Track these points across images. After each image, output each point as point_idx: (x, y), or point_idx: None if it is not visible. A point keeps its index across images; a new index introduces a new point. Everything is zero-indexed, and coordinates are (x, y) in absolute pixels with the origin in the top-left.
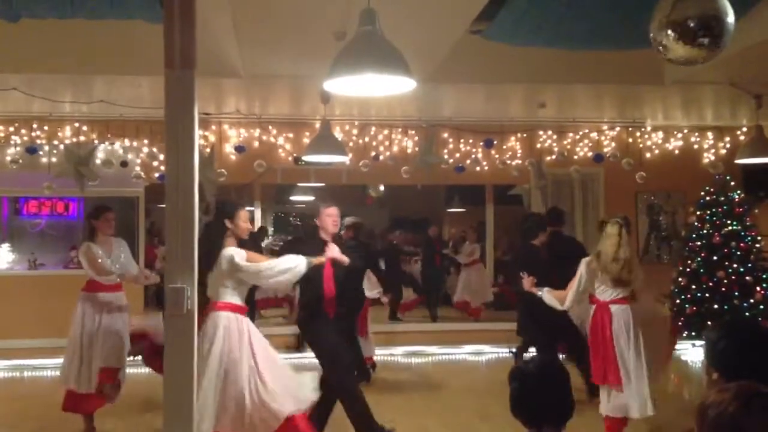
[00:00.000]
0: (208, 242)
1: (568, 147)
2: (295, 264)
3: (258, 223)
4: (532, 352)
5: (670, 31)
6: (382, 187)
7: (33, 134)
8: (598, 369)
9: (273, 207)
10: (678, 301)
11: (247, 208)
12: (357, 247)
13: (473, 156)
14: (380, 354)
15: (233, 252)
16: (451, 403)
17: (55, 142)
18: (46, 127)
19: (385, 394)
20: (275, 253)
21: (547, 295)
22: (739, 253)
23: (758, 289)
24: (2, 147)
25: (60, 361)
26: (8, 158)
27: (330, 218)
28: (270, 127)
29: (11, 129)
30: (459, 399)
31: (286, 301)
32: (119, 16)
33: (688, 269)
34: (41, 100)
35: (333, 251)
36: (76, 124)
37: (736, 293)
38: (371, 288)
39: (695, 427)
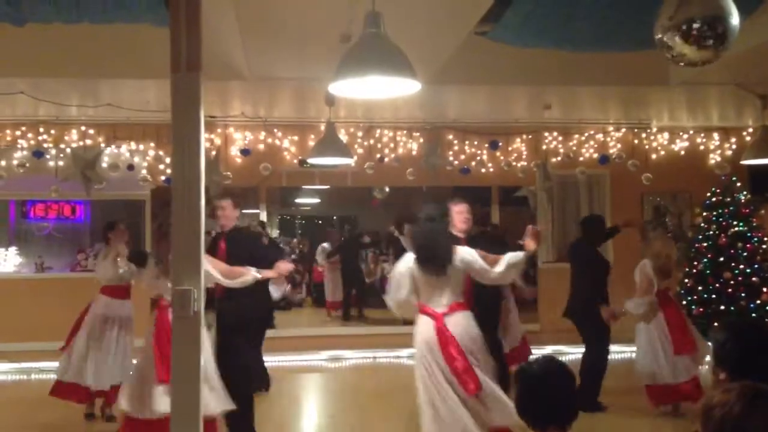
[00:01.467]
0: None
1: (574, 148)
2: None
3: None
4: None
5: (674, 33)
6: (387, 189)
7: (40, 138)
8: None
9: (278, 210)
10: (684, 302)
11: (253, 211)
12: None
13: (478, 158)
14: (387, 356)
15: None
16: None
17: (62, 146)
18: (52, 131)
19: (394, 395)
20: None
21: (634, 305)
22: (745, 254)
23: (765, 290)
24: (9, 151)
25: None
26: (15, 162)
27: (461, 215)
28: (275, 130)
29: (18, 133)
30: None
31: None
32: (125, 20)
33: (694, 270)
34: (48, 104)
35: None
36: (83, 128)
37: (743, 294)
38: None
39: (700, 427)
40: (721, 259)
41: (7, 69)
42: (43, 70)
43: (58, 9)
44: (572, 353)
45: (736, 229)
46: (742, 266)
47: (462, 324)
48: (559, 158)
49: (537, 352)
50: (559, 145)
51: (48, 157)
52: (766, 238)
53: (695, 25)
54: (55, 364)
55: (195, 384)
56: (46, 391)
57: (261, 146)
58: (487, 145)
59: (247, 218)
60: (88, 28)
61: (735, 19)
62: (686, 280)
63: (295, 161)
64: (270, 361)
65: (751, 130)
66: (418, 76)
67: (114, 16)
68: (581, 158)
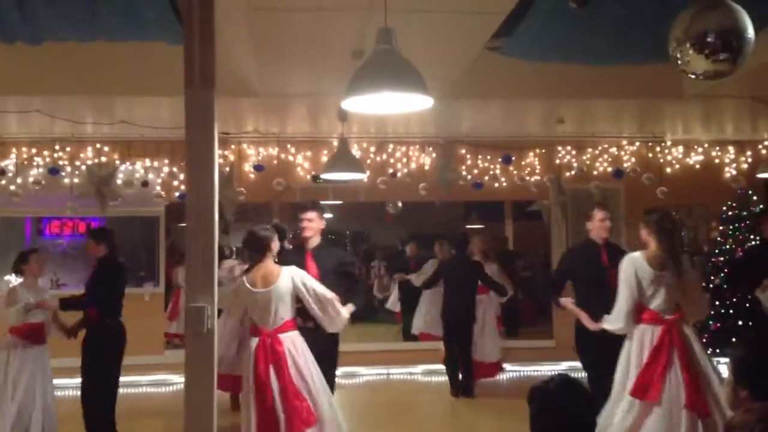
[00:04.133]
0: None
1: (588, 162)
2: None
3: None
4: None
5: (689, 46)
6: (400, 204)
7: (55, 155)
8: None
9: (292, 225)
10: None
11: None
12: None
13: (491, 172)
14: (399, 372)
15: None
16: (472, 421)
17: (77, 163)
18: (68, 148)
19: (405, 411)
20: None
21: None
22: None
23: None
24: (25, 168)
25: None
26: (31, 179)
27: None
28: (288, 146)
29: (34, 150)
30: (479, 417)
31: None
32: (140, 38)
33: (711, 285)
34: (63, 122)
35: None
36: (98, 145)
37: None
38: None
39: None
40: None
41: (23, 87)
42: (58, 88)
43: (74, 28)
44: None
45: (753, 243)
46: None
47: None
48: (572, 172)
49: (552, 369)
50: (573, 159)
51: (63, 174)
52: None
53: (710, 38)
54: (70, 381)
55: (209, 401)
56: (66, 407)
57: (274, 162)
58: (500, 160)
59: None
60: (103, 46)
61: (750, 32)
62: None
63: (309, 177)
64: None
65: (767, 143)
66: (431, 92)
67: (128, 34)
68: (595, 172)
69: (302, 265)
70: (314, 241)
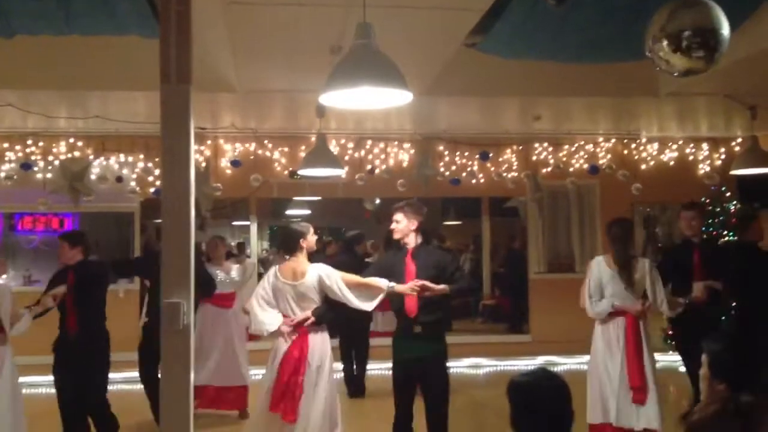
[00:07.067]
0: None
1: (564, 159)
2: None
3: (254, 239)
4: None
5: (665, 44)
6: (378, 201)
7: (28, 150)
8: None
9: (269, 221)
10: None
11: (244, 223)
12: None
13: (469, 169)
14: (376, 368)
15: None
16: (450, 417)
17: (50, 158)
18: (41, 143)
19: (381, 408)
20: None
21: None
22: None
23: None
24: None
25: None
26: (3, 174)
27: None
28: (265, 141)
29: (6, 145)
30: (457, 413)
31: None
32: (115, 32)
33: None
34: (36, 116)
35: None
36: (71, 140)
37: (734, 304)
38: None
39: None
40: None
41: None
42: (31, 82)
43: (48, 21)
44: (564, 363)
45: (726, 239)
46: None
47: None
48: (549, 169)
49: (528, 363)
50: (549, 156)
51: (36, 169)
52: None
53: (686, 36)
54: (43, 379)
55: (185, 398)
56: (38, 406)
57: (251, 157)
58: (477, 156)
59: (237, 231)
60: (78, 39)
61: (725, 30)
62: None
63: (286, 173)
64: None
65: (740, 140)
66: (409, 88)
67: (103, 27)
68: (571, 169)
69: (401, 264)
70: (412, 240)
